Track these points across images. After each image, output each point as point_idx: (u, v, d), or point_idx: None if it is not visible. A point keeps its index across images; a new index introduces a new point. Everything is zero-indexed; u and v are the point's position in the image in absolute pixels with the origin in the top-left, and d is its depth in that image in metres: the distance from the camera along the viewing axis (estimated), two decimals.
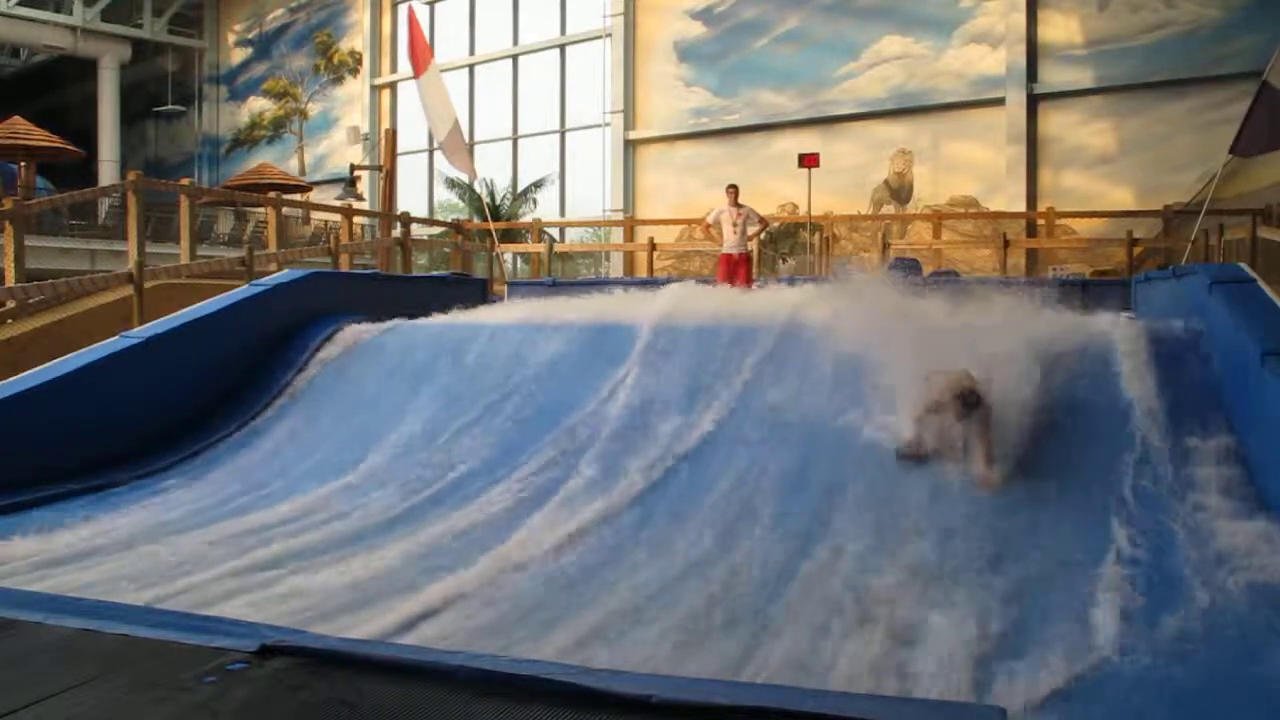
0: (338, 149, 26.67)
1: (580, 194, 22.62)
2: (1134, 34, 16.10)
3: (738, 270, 10.30)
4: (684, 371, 6.99)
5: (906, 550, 4.80)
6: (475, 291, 11.48)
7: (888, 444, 5.72)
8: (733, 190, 10.55)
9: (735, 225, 10.38)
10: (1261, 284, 6.41)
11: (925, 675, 3.60)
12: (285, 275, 9.22)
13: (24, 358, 8.49)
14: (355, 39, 26.63)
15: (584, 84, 22.44)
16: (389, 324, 8.70)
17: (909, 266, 13.02)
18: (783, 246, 18.04)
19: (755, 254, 12.43)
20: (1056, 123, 16.84)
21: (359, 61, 26.49)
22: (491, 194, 21.48)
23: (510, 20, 24.05)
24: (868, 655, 3.77)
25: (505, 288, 13.25)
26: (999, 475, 5.30)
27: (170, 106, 29.47)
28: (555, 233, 21.42)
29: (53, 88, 30.18)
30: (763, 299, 8.79)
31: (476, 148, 23.07)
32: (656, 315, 7.73)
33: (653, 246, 16.17)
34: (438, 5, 24.99)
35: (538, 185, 22.38)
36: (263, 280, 9.15)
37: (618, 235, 19.90)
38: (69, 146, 20.68)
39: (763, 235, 13.82)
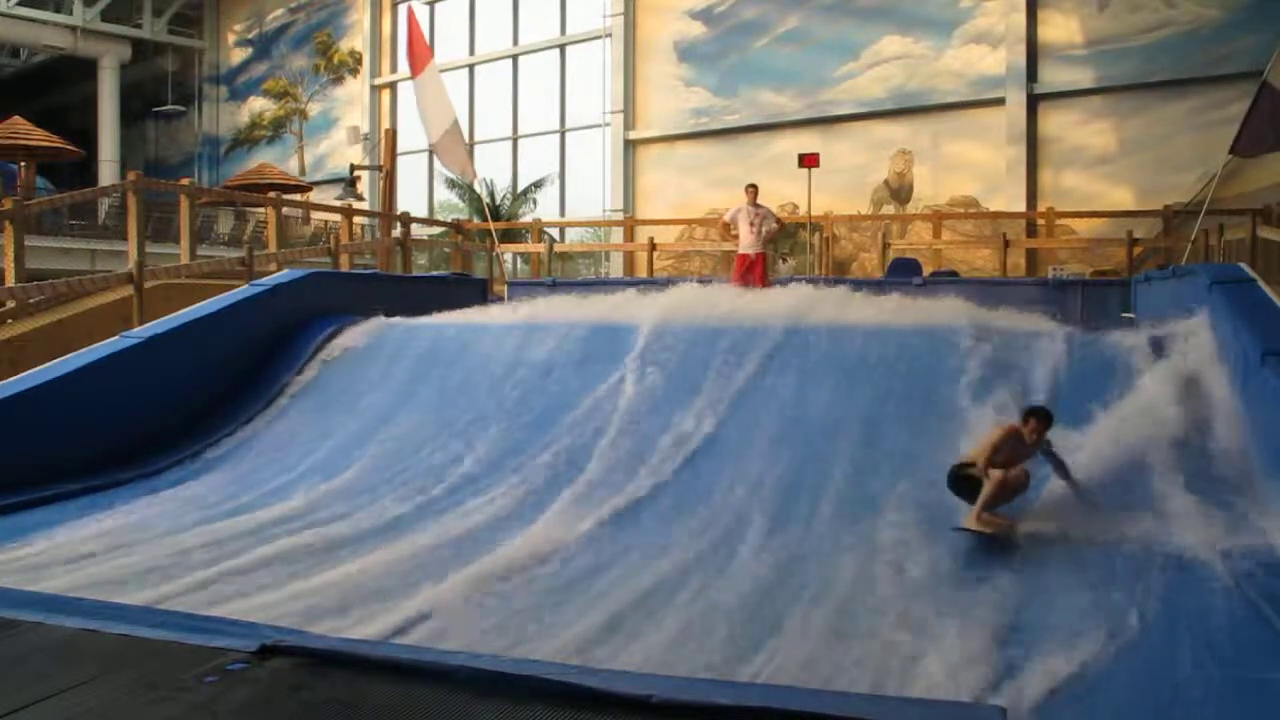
0: (338, 149, 26.63)
1: (580, 194, 22.61)
2: (1134, 34, 16.08)
3: (754, 269, 10.22)
4: (687, 371, 7.00)
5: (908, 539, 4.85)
6: (475, 292, 11.49)
7: None
8: (752, 190, 10.39)
9: (753, 225, 10.26)
10: (1261, 284, 6.42)
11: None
12: (285, 275, 9.22)
13: (24, 358, 8.48)
14: (355, 39, 26.60)
15: (584, 84, 22.42)
16: (388, 324, 8.70)
17: (909, 267, 13.03)
18: (782, 246, 18.00)
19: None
20: (1056, 123, 16.82)
21: (359, 61, 26.46)
22: (491, 194, 21.46)
23: (510, 20, 24.02)
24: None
25: (505, 288, 13.25)
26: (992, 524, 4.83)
27: (170, 106, 29.41)
28: (555, 233, 21.39)
29: (53, 88, 30.14)
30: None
31: (476, 148, 23.03)
32: (658, 315, 7.73)
33: (653, 246, 16.17)
34: (438, 5, 24.96)
35: (538, 185, 22.36)
36: (263, 280, 9.15)
37: (618, 235, 19.88)
38: (69, 146, 20.64)
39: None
